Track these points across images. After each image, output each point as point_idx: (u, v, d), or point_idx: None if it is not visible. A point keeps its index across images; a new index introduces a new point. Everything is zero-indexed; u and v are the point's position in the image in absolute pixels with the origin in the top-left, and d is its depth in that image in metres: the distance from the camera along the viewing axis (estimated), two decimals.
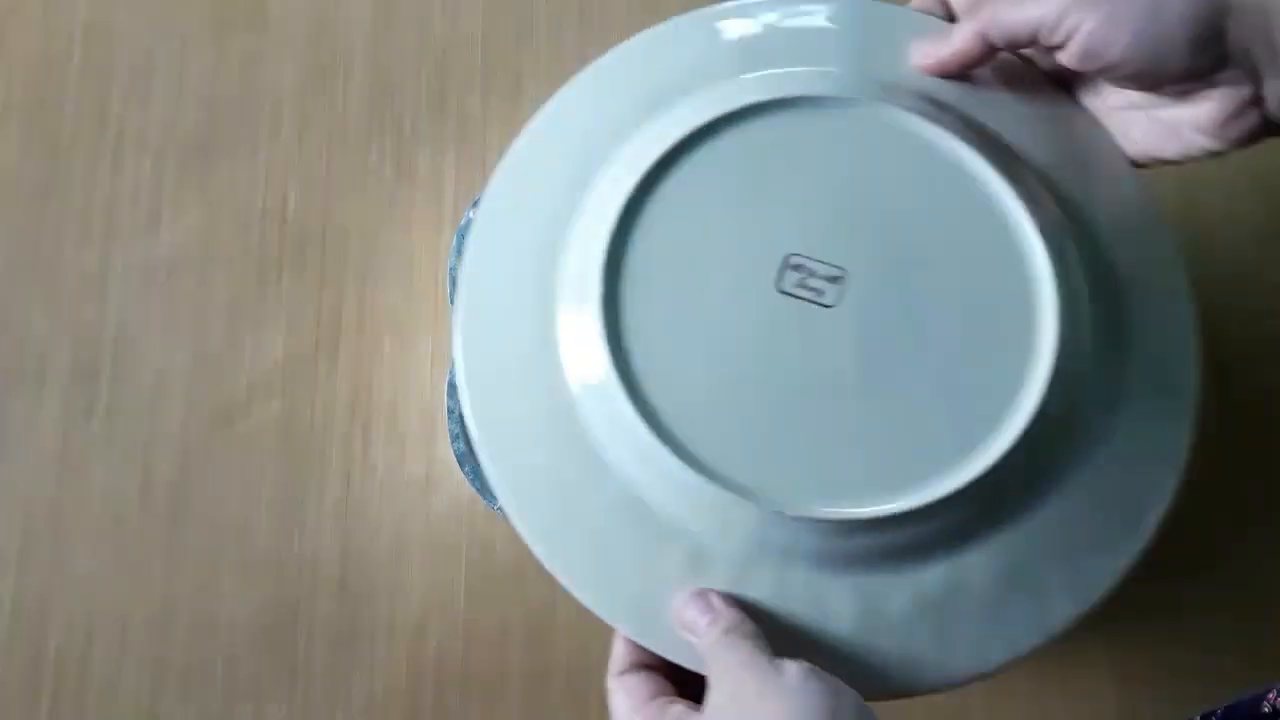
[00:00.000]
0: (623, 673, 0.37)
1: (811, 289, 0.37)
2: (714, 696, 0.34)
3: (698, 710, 0.34)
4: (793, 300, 0.37)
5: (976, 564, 0.37)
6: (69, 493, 0.51)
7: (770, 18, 0.41)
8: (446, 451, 0.51)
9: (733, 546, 0.36)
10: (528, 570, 0.50)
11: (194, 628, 0.50)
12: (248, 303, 0.54)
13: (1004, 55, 0.40)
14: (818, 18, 0.41)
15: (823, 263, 0.37)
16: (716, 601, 0.36)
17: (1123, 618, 0.51)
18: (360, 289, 0.53)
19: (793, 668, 0.33)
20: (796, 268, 0.37)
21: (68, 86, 0.56)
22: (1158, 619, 0.51)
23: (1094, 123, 0.40)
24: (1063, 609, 0.37)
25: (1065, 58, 0.37)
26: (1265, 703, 0.39)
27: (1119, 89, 0.39)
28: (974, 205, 0.38)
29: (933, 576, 0.36)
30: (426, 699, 0.50)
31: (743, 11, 0.42)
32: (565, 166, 0.41)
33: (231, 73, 0.56)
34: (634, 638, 0.37)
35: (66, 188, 0.55)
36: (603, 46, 0.57)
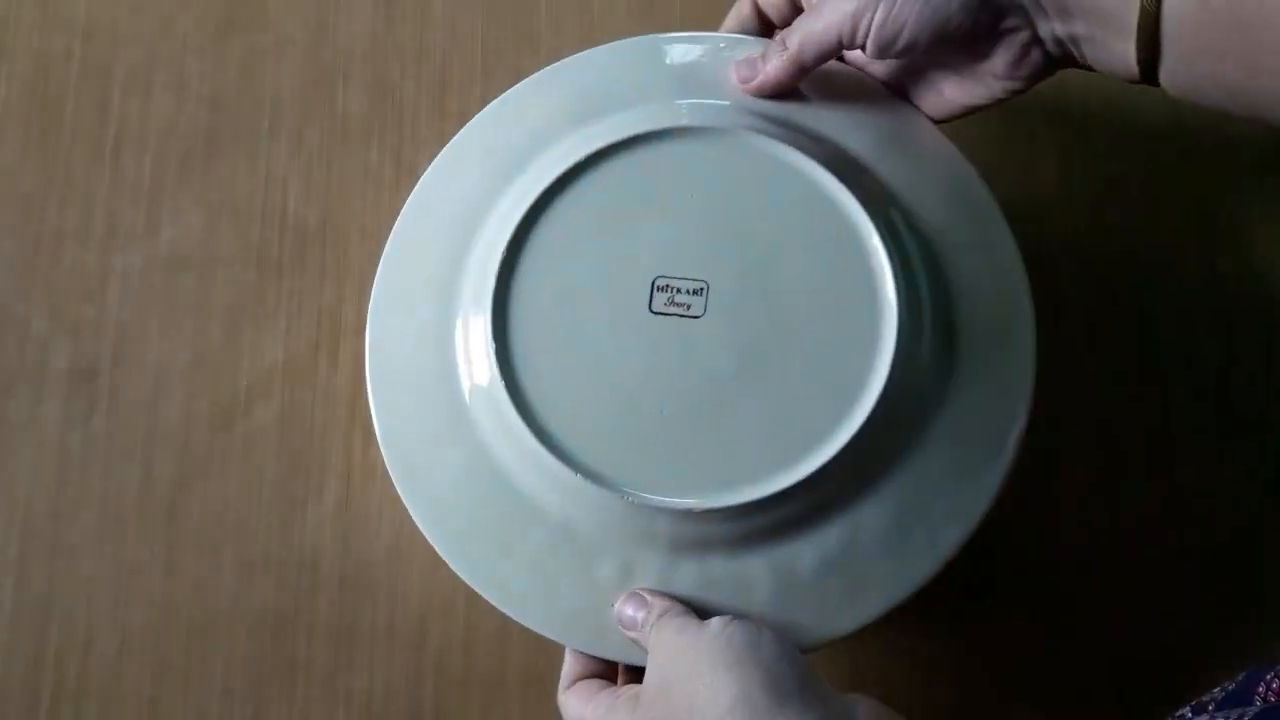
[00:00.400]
0: (570, 686, 0.42)
1: (679, 304, 0.42)
2: (651, 665, 0.38)
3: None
4: (665, 318, 0.42)
5: (869, 515, 0.41)
6: (69, 493, 0.51)
7: (617, 65, 0.47)
8: None
9: (657, 547, 0.41)
10: None
11: (194, 628, 0.50)
12: (248, 303, 0.54)
13: (831, 65, 0.46)
14: (658, 56, 0.47)
15: (686, 279, 0.42)
16: (648, 596, 0.41)
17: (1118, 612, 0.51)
18: (360, 289, 0.53)
19: (715, 620, 0.38)
20: (663, 289, 0.42)
21: (68, 86, 0.56)
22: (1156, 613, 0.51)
23: (914, 112, 0.47)
24: (950, 536, 0.42)
25: (869, 52, 0.43)
26: (1257, 696, 0.39)
27: (928, 59, 0.45)
28: (813, 204, 0.42)
29: (833, 534, 0.41)
30: (426, 699, 0.50)
31: (604, 57, 0.47)
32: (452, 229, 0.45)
33: (231, 73, 0.56)
34: (587, 650, 0.42)
35: (67, 188, 0.55)
36: None
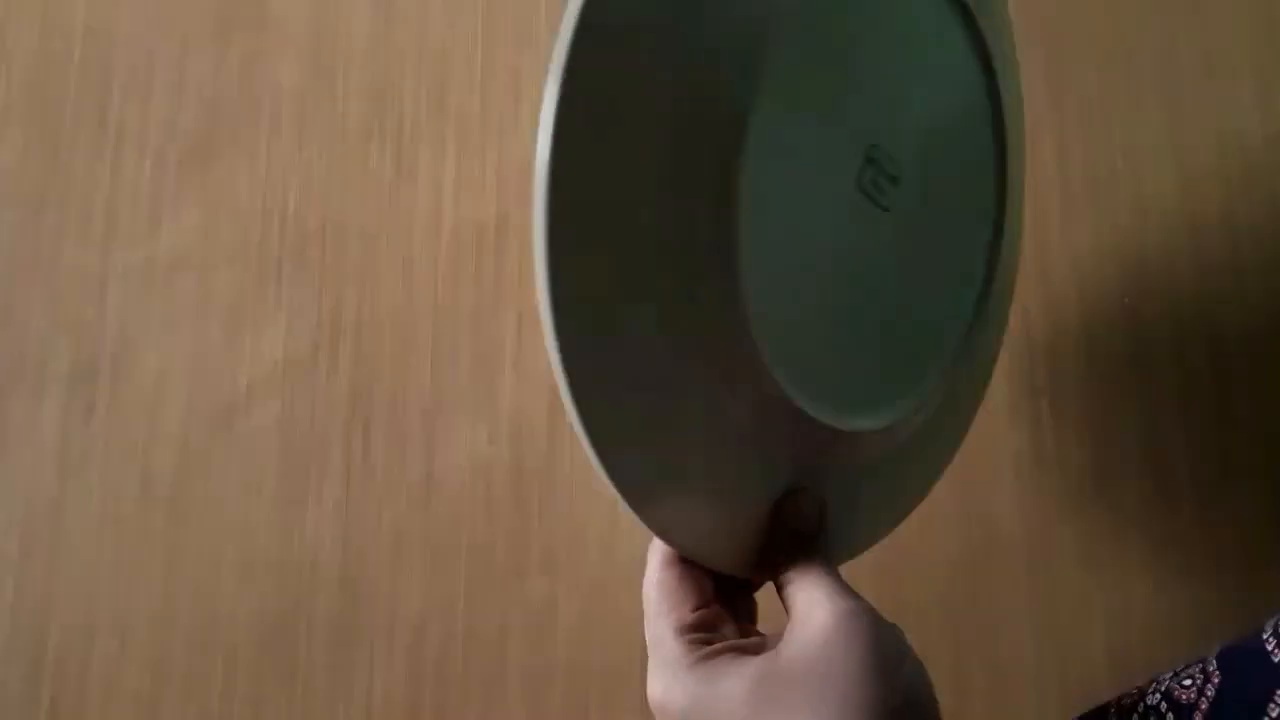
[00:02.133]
0: (664, 564, 0.35)
1: (878, 188, 0.35)
2: (791, 628, 0.33)
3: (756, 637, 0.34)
4: (863, 199, 0.35)
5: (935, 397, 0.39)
6: (69, 493, 0.51)
7: None
8: (446, 451, 0.51)
9: (800, 461, 0.35)
10: (528, 570, 0.50)
11: (194, 628, 0.50)
12: (248, 303, 0.54)
13: None
14: None
15: (891, 159, 0.35)
16: (819, 519, 0.36)
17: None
18: (360, 289, 0.53)
19: (846, 607, 0.32)
20: (872, 161, 0.35)
21: (68, 86, 0.56)
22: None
23: None
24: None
25: None
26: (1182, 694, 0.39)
27: None
28: (969, 93, 0.39)
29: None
30: (426, 699, 0.50)
31: None
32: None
33: (231, 73, 0.56)
34: (734, 571, 0.35)
35: (66, 188, 0.55)
36: None
